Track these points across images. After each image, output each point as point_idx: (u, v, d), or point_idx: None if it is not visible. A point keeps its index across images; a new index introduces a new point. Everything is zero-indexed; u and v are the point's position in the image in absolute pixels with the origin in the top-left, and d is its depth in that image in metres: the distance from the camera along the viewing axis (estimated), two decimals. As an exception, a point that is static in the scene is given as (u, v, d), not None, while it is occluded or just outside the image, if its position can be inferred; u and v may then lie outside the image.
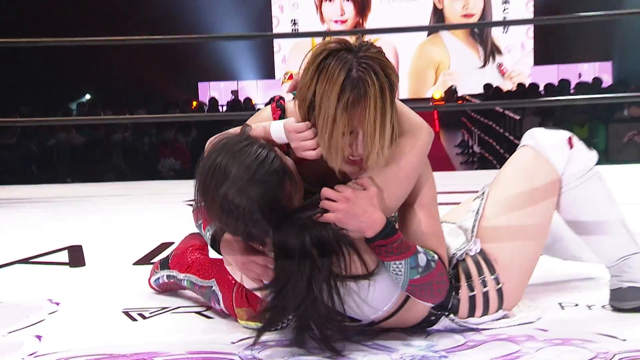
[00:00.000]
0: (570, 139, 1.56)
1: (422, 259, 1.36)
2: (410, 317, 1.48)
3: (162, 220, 3.01)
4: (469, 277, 1.49)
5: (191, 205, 3.33)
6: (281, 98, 1.55)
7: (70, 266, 2.30)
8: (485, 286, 1.49)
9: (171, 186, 4.29)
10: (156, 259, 2.10)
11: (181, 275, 1.77)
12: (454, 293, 1.48)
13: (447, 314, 1.49)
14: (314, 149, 1.39)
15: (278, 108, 1.52)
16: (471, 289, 1.49)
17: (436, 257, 1.40)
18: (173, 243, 2.43)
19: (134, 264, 2.27)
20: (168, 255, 1.87)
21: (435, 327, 1.51)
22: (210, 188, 1.31)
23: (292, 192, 1.35)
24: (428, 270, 1.37)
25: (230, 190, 1.29)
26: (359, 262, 1.34)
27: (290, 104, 1.51)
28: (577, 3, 10.55)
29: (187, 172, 7.02)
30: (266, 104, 1.64)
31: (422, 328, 1.51)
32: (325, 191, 1.33)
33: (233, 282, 1.62)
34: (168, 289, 1.87)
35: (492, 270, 1.50)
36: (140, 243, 2.51)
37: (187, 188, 3.74)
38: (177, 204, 3.35)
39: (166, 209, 3.29)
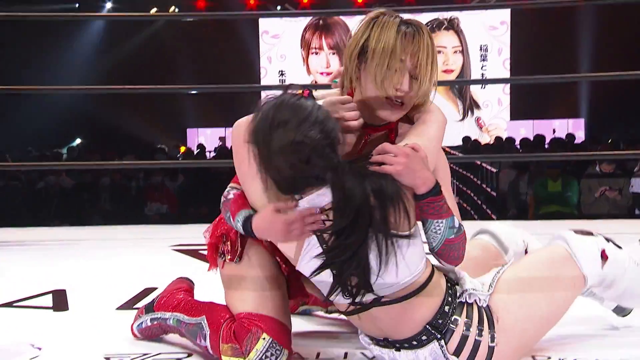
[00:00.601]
0: (603, 251, 1.63)
1: (456, 221, 1.48)
2: (409, 319, 1.48)
3: (146, 265, 3.02)
4: (469, 317, 1.50)
5: (177, 250, 3.29)
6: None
7: (54, 310, 2.29)
8: (480, 335, 1.49)
9: (157, 230, 4.30)
10: (140, 304, 2.10)
11: (167, 314, 1.78)
12: (450, 322, 1.49)
13: (439, 337, 1.48)
14: (356, 119, 1.54)
15: (308, 90, 1.65)
16: (467, 328, 1.49)
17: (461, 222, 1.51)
18: (157, 288, 2.44)
19: (117, 308, 2.28)
20: (153, 300, 1.88)
21: (424, 350, 1.49)
22: (274, 138, 1.40)
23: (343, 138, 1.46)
24: (460, 231, 1.49)
25: (297, 133, 1.38)
26: (405, 220, 1.41)
27: (318, 92, 1.64)
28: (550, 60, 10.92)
29: (174, 216, 7.04)
30: None
31: (411, 347, 1.51)
32: (387, 146, 1.43)
33: (222, 320, 1.64)
34: (150, 334, 1.87)
35: (491, 326, 1.51)
36: (124, 288, 2.51)
37: (173, 233, 3.73)
38: (163, 249, 3.37)
39: (151, 254, 3.30)
